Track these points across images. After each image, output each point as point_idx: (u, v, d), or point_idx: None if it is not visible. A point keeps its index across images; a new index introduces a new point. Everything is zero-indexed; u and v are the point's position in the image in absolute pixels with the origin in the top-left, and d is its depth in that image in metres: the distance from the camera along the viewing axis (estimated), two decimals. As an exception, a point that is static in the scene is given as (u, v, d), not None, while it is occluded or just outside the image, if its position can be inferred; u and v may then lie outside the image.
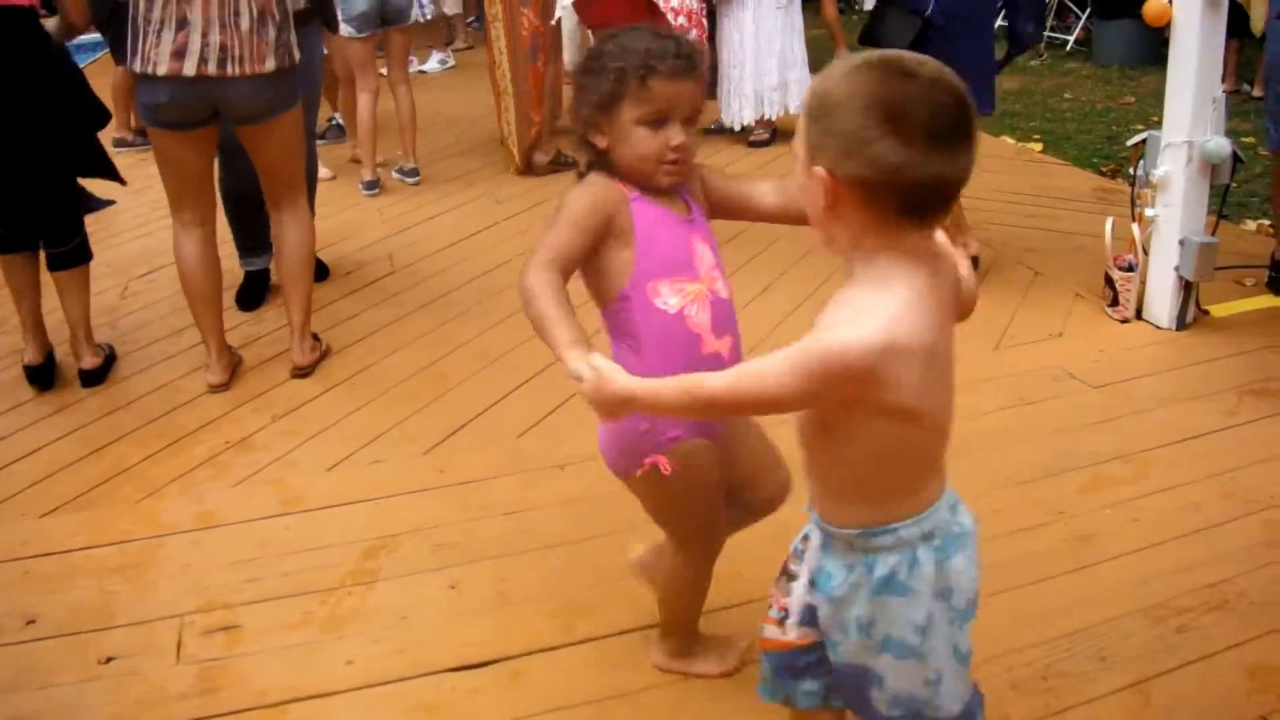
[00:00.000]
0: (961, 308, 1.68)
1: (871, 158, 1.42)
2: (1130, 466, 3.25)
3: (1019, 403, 3.64)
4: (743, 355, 2.10)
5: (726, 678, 2.45)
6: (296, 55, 3.69)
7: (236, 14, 3.49)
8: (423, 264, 5.18)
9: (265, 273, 4.82)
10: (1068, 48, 10.26)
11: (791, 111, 6.79)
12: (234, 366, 4.03)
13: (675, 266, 2.04)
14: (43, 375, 4.03)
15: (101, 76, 9.27)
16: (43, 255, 4.00)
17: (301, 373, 3.99)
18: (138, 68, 3.53)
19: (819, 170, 1.47)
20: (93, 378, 4.05)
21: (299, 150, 3.92)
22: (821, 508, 1.73)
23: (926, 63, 1.45)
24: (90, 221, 5.49)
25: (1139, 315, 4.25)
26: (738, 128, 7.05)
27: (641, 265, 2.02)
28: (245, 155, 4.36)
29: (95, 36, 10.64)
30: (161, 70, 3.48)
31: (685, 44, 2.01)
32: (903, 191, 1.44)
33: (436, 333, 4.35)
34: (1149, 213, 4.16)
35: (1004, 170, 6.41)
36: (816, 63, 7.44)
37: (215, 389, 3.91)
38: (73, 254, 4.01)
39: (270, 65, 3.59)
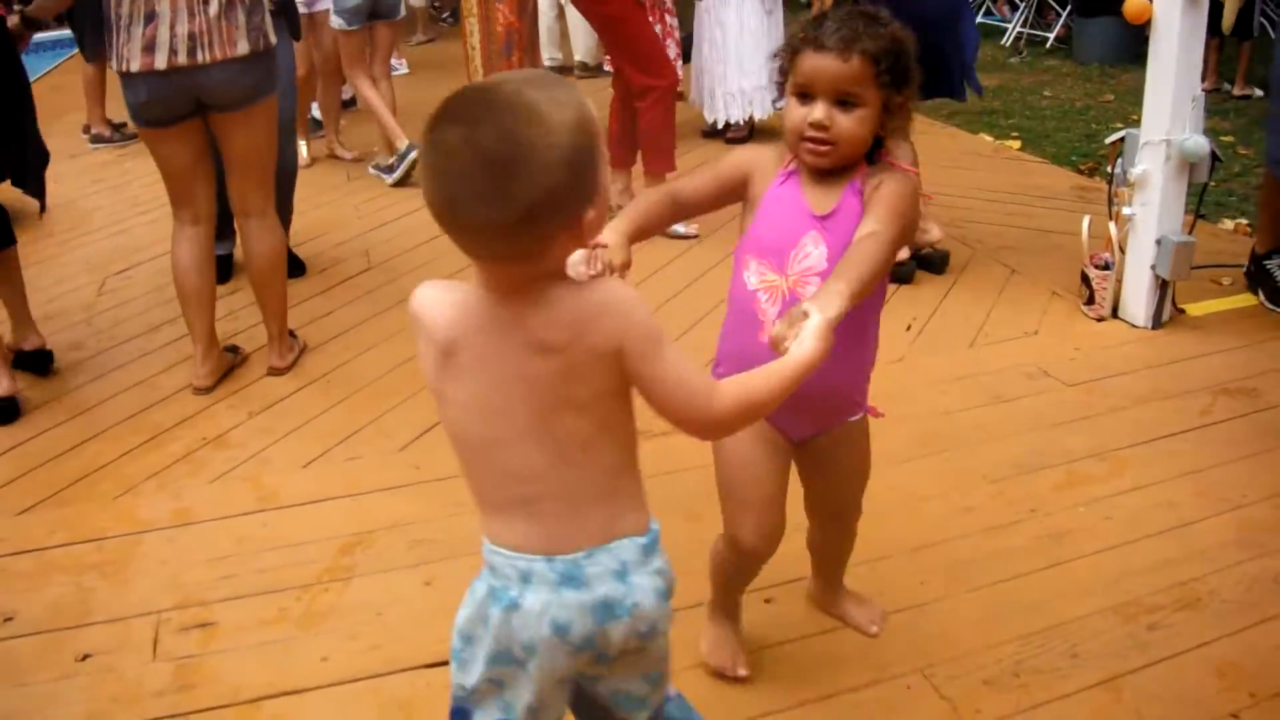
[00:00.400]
0: None
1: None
2: (1104, 464, 3.27)
3: (994, 400, 3.66)
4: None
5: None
6: (272, 38, 3.66)
7: (204, 1, 3.46)
8: (399, 260, 5.16)
9: (229, 258, 4.84)
10: (1048, 45, 10.30)
11: (777, 109, 6.77)
12: (223, 370, 3.99)
13: (769, 250, 2.06)
14: (10, 411, 3.80)
15: (68, 74, 9.34)
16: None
17: (279, 373, 3.98)
18: (116, 66, 3.52)
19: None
20: (34, 361, 4.09)
21: (272, 145, 3.87)
22: None
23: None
24: (66, 219, 5.51)
25: (1115, 314, 4.27)
26: (720, 125, 6.99)
27: (748, 235, 2.11)
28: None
29: (59, 33, 10.65)
30: (134, 66, 3.46)
31: (846, 24, 1.98)
32: None
33: (412, 329, 4.33)
34: (1126, 211, 4.18)
35: (981, 168, 6.44)
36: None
37: (199, 391, 3.88)
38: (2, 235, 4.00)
39: (243, 48, 3.55)
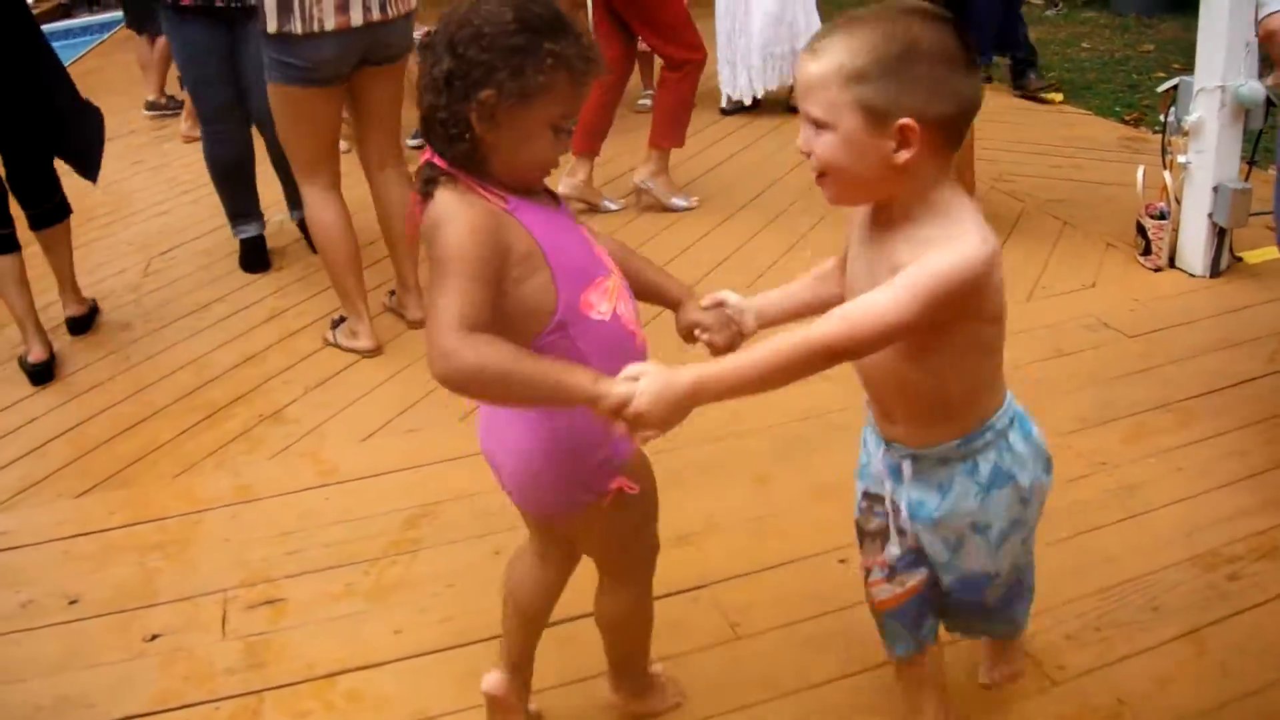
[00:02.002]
0: None
1: (956, 94, 1.55)
2: (1171, 415, 3.21)
3: (1056, 354, 3.61)
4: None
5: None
6: None
7: None
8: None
9: (261, 239, 4.85)
10: (1083, -4, 10.14)
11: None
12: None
13: (589, 268, 1.76)
14: (45, 372, 3.94)
15: (109, 55, 9.37)
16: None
17: (420, 326, 3.97)
18: (298, 29, 3.45)
19: (908, 122, 1.52)
20: (80, 325, 4.25)
21: (403, 94, 3.94)
22: (911, 435, 1.80)
23: (933, 8, 1.58)
24: (109, 200, 5.51)
25: (1172, 263, 4.20)
26: (748, 101, 6.71)
27: (564, 282, 1.69)
28: (231, 123, 4.51)
29: (95, 19, 10.71)
30: (330, 25, 3.46)
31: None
32: (967, 118, 1.59)
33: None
34: (1181, 160, 4.10)
35: (1026, 122, 6.33)
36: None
37: (372, 354, 3.89)
38: (53, 211, 4.14)
39: (414, 2, 3.70)
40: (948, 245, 1.54)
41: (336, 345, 3.93)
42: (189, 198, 5.85)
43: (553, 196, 1.82)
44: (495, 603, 2.55)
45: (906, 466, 1.82)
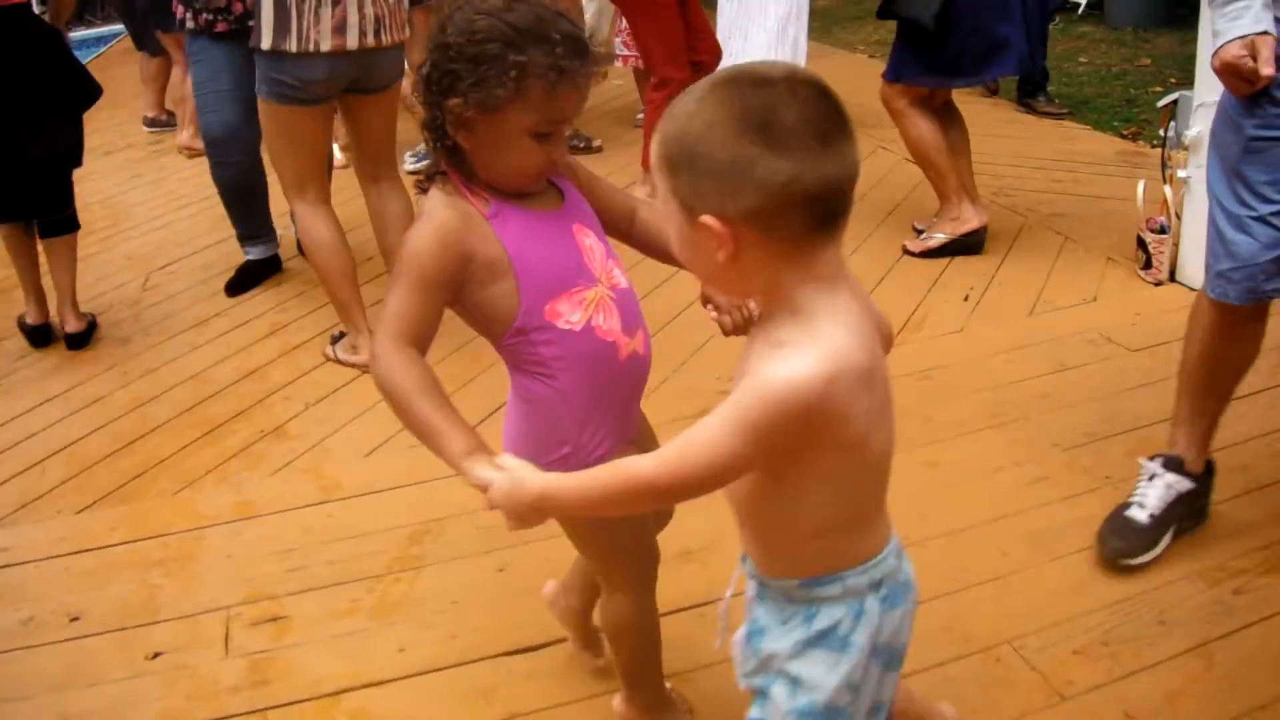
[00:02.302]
0: (883, 339, 1.51)
1: (759, 182, 1.25)
2: (1176, 431, 3.21)
3: (1059, 368, 3.61)
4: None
5: None
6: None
7: None
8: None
9: (270, 260, 4.85)
10: (1079, 11, 10.16)
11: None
12: None
13: (565, 278, 1.74)
14: (43, 335, 4.30)
15: (110, 69, 9.36)
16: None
17: None
18: (293, 48, 3.48)
19: (707, 220, 1.28)
20: (77, 340, 4.27)
21: (396, 117, 4.04)
22: (759, 559, 1.58)
23: (775, 66, 1.31)
24: (107, 214, 5.51)
25: (1173, 277, 4.21)
26: None
27: (528, 291, 1.70)
28: (236, 146, 4.50)
29: (96, 31, 10.75)
30: (325, 47, 3.49)
31: (580, 30, 1.66)
32: (802, 206, 1.27)
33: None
34: (1181, 174, 4.11)
35: (1024, 136, 6.35)
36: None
37: (367, 369, 3.84)
38: (63, 223, 4.26)
39: (407, 32, 3.75)
40: (788, 360, 1.30)
41: (337, 360, 3.92)
42: (188, 212, 5.85)
43: (554, 193, 1.81)
44: (499, 619, 2.56)
45: (751, 587, 1.62)
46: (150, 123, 7.65)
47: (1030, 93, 6.90)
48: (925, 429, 3.26)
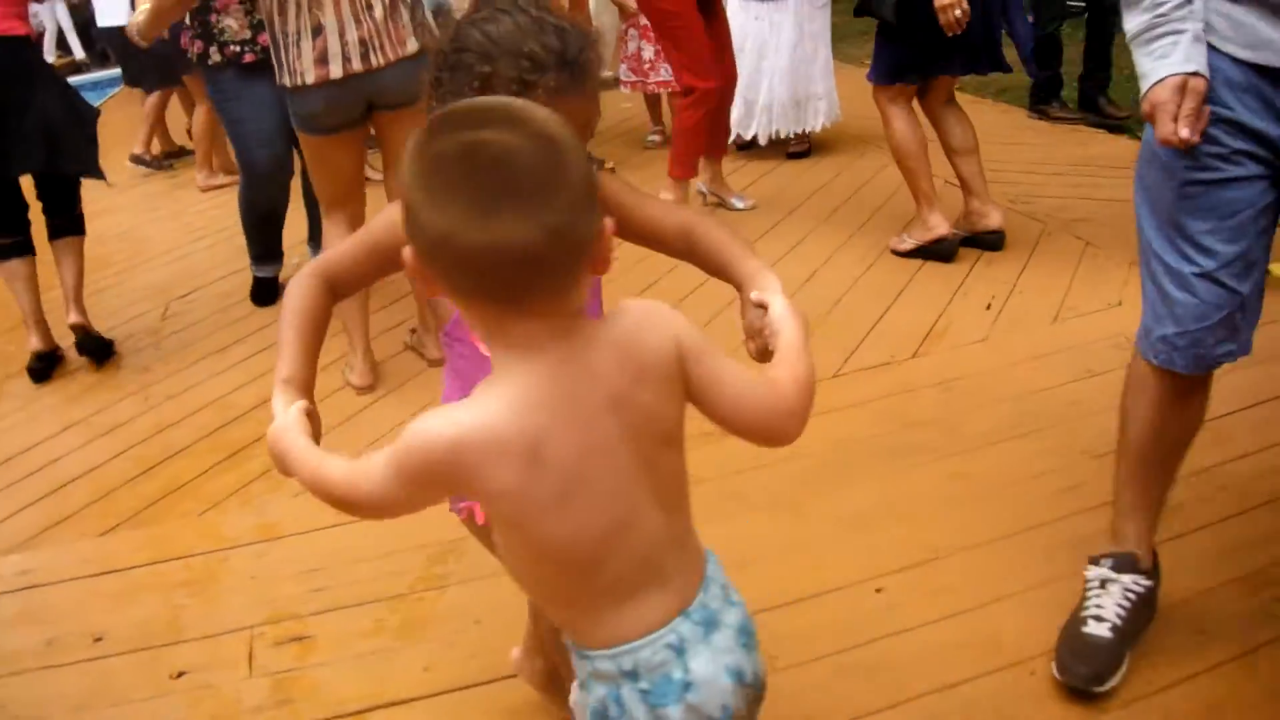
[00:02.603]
0: (747, 420, 1.39)
1: (421, 226, 1.19)
2: (1208, 434, 3.11)
3: (1085, 374, 3.56)
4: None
5: None
6: (436, 32, 3.72)
7: (369, 7, 3.49)
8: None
9: (275, 279, 4.90)
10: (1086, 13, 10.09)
11: (827, 124, 6.40)
12: (375, 369, 4.02)
13: None
14: (49, 362, 4.33)
15: (123, 108, 9.39)
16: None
17: (440, 364, 3.94)
18: (287, 82, 3.52)
19: (405, 250, 1.23)
20: (88, 344, 4.37)
21: None
22: None
23: (496, 109, 1.23)
24: (125, 246, 5.54)
25: (1198, 280, 4.15)
26: (763, 141, 6.41)
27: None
28: (281, 178, 4.56)
29: (91, 76, 10.85)
30: (310, 79, 3.48)
31: (574, 42, 1.56)
32: (460, 267, 1.18)
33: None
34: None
35: (1038, 142, 6.32)
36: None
37: (362, 391, 3.90)
38: (71, 224, 4.40)
39: (413, 46, 3.61)
40: (432, 414, 1.24)
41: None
42: (205, 243, 5.88)
43: None
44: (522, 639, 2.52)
45: None
46: (135, 159, 7.64)
47: (1043, 99, 6.85)
48: (952, 440, 3.22)
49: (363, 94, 3.59)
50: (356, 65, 3.50)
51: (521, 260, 1.16)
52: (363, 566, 2.88)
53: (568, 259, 1.19)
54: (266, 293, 4.87)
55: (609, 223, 1.25)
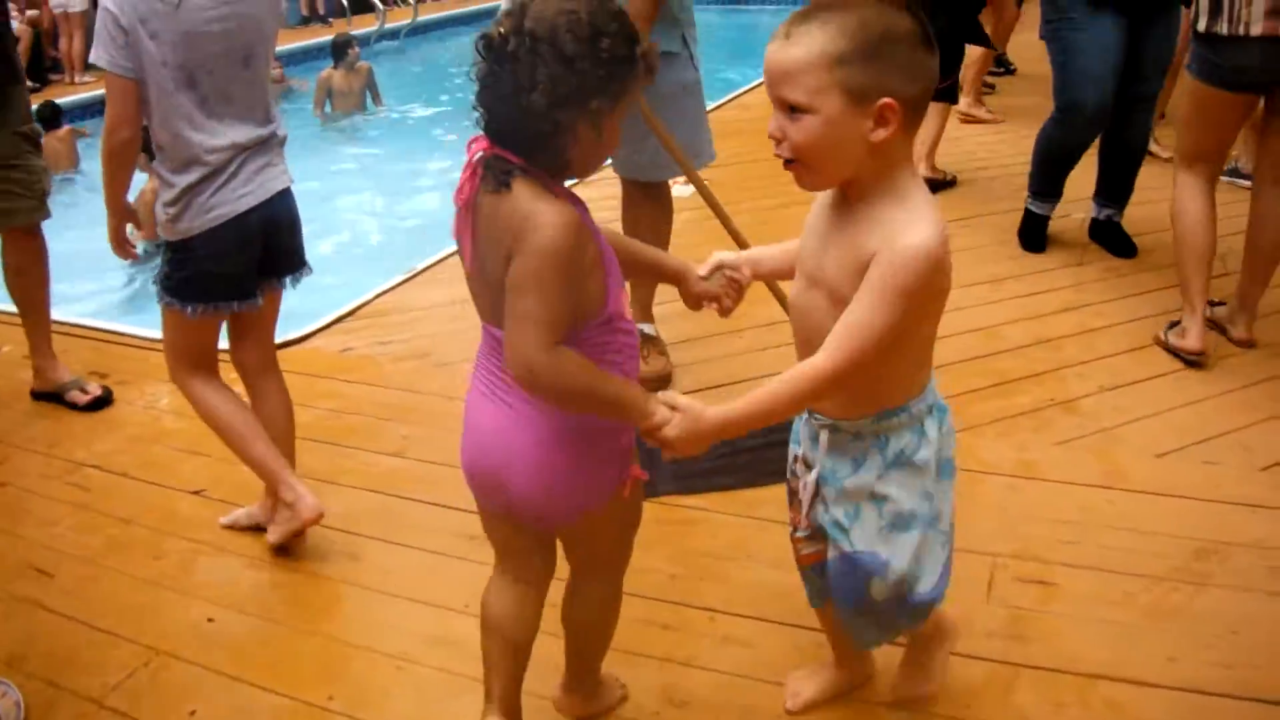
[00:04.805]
0: None
1: (926, 77, 1.65)
2: None
3: None
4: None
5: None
6: None
7: None
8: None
9: (1045, 219, 4.86)
10: None
11: None
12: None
13: (619, 275, 1.86)
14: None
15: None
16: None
17: (1247, 345, 3.84)
18: (1224, 30, 3.40)
19: (888, 100, 1.59)
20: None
21: None
22: (834, 408, 1.85)
23: None
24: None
25: None
26: None
27: (612, 285, 1.82)
28: (1100, 117, 4.40)
29: None
30: (1256, 30, 3.33)
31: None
32: (929, 98, 1.68)
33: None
34: None
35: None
36: None
37: (1195, 356, 3.67)
38: None
39: None
40: (908, 233, 1.61)
41: (1164, 345, 3.79)
42: (988, 173, 5.97)
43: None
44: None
45: (824, 436, 1.89)
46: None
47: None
48: None
49: None
50: None
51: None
52: (1119, 534, 2.81)
53: None
54: (1034, 231, 4.84)
55: None
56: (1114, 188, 4.75)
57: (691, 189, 3.42)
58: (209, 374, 2.90)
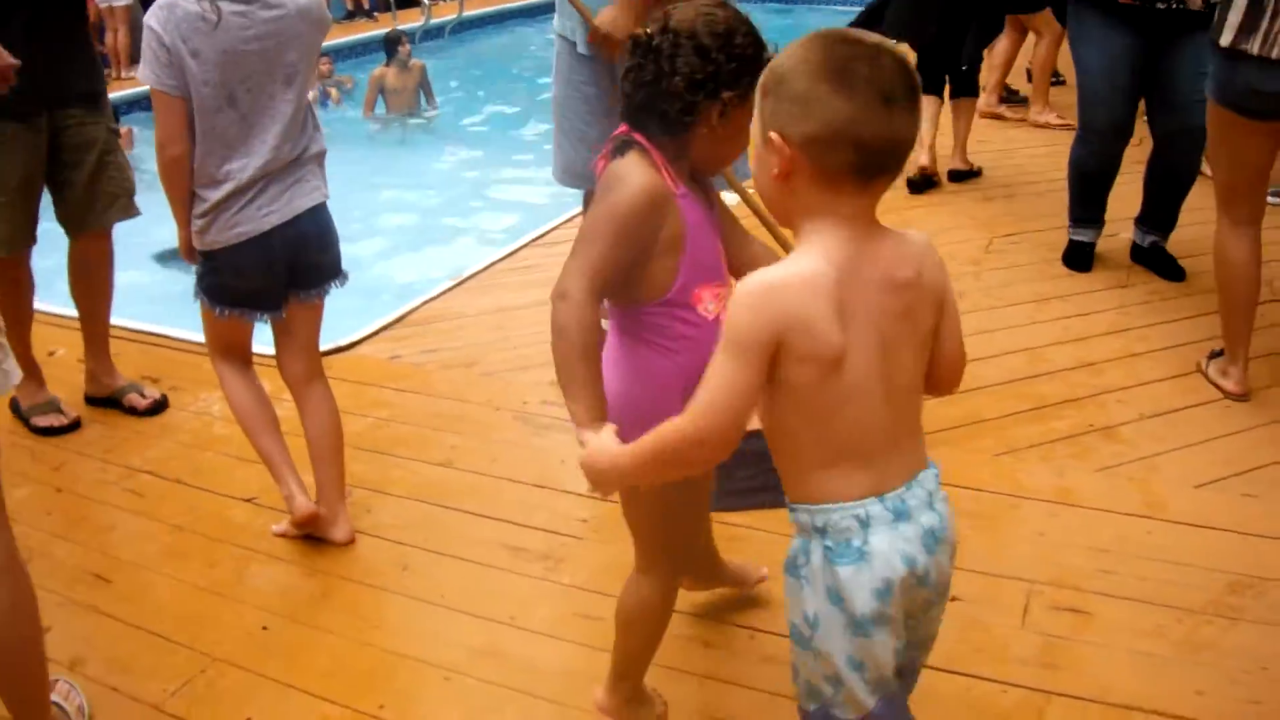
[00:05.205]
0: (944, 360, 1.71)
1: (823, 115, 1.49)
2: None
3: None
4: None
5: None
6: None
7: None
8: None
9: (1089, 247, 4.84)
10: None
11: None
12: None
13: (711, 271, 1.97)
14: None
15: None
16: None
17: None
18: (1255, 49, 3.24)
19: (774, 135, 1.53)
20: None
21: None
22: None
23: (870, 35, 1.54)
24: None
25: None
26: None
27: (686, 272, 1.92)
28: (1115, 137, 4.44)
29: None
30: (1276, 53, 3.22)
31: None
32: (851, 147, 1.49)
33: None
34: None
35: None
36: None
37: (1237, 398, 3.66)
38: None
39: None
40: (751, 276, 1.54)
41: (1205, 375, 3.80)
42: (1037, 189, 5.98)
43: (708, 195, 2.01)
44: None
45: None
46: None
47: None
48: None
49: None
50: None
51: (901, 146, 1.53)
52: (1154, 566, 2.85)
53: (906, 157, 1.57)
54: (1079, 258, 4.83)
55: None
56: (1156, 215, 4.73)
57: (736, 197, 3.46)
58: (242, 363, 3.07)
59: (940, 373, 1.73)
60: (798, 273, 1.53)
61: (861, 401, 1.57)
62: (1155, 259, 4.74)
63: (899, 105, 1.50)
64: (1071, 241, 4.87)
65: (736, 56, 1.85)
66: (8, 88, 3.06)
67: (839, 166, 1.51)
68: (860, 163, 1.51)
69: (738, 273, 2.00)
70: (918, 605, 1.70)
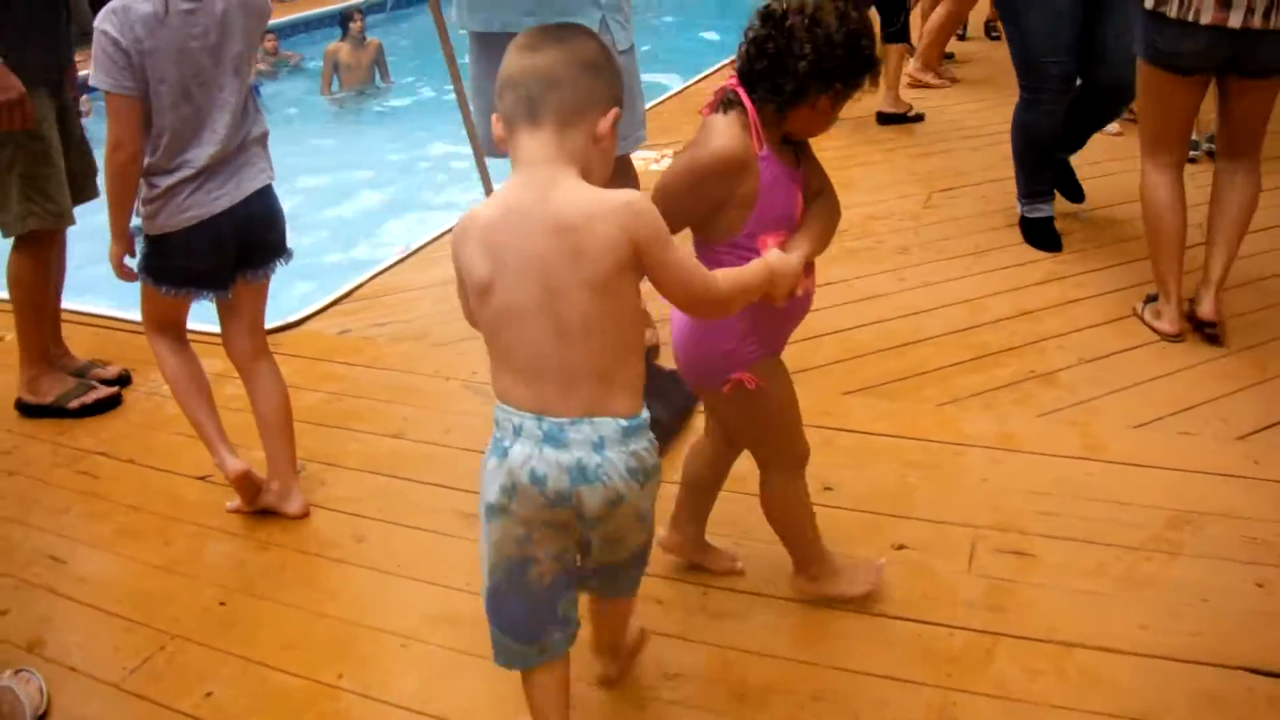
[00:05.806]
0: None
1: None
2: None
3: None
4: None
5: (864, 599, 2.61)
6: None
7: None
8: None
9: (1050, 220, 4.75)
10: None
11: None
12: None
13: (781, 221, 2.15)
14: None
15: None
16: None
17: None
18: (1173, 12, 3.41)
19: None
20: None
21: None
22: None
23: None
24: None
25: None
26: None
27: (754, 224, 2.12)
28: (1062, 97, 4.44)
29: None
30: (1205, 19, 3.35)
31: None
32: (502, 94, 1.86)
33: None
34: None
35: None
36: None
37: (1172, 339, 3.75)
38: None
39: None
40: None
41: (1140, 318, 3.88)
42: (973, 144, 6.05)
43: (793, 154, 2.19)
44: (1251, 634, 2.46)
45: None
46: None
47: None
48: None
49: (1231, 51, 3.43)
50: (1256, 21, 3.30)
51: (527, 82, 1.81)
52: (1095, 506, 2.91)
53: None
54: (1047, 235, 4.66)
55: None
56: (1067, 140, 4.72)
57: (663, 161, 3.48)
58: (176, 338, 3.09)
59: (681, 308, 2.02)
60: (466, 214, 1.86)
61: (517, 325, 1.81)
62: (1061, 176, 4.83)
63: (535, 48, 1.82)
64: (1032, 221, 4.70)
65: (859, 56, 2.04)
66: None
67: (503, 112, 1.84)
68: (506, 109, 1.83)
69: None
70: (560, 520, 1.89)
